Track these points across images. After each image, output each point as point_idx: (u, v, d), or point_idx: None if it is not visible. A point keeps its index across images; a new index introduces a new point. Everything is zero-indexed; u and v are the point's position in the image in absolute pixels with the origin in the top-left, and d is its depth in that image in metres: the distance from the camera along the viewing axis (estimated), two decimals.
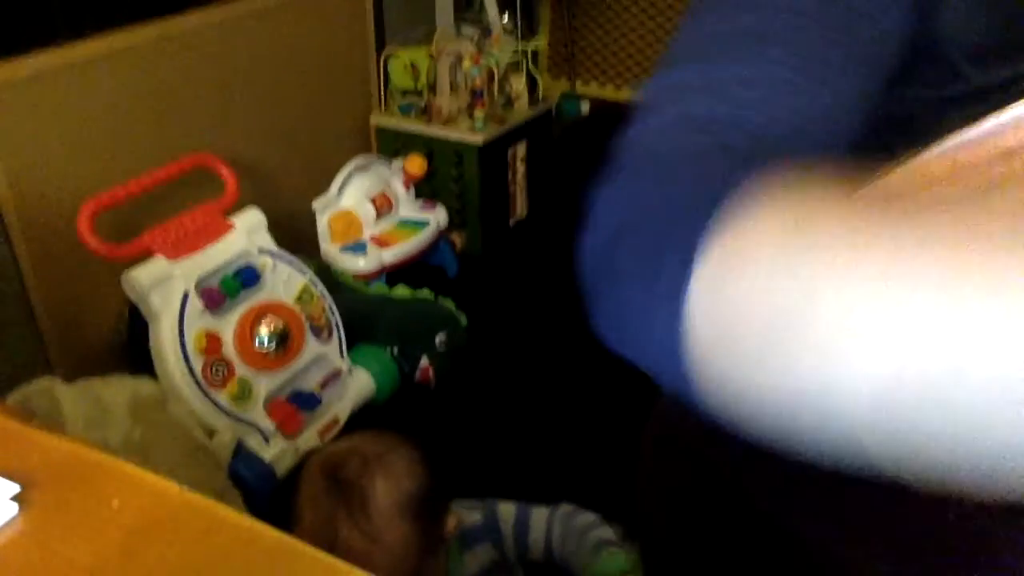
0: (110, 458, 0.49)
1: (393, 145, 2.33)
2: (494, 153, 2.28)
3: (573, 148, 2.97)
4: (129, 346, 1.75)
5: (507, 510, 1.12)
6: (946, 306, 0.27)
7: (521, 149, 2.39)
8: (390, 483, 0.98)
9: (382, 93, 2.35)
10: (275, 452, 1.52)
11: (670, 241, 0.38)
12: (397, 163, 2.25)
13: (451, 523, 1.03)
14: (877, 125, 0.47)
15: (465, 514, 1.09)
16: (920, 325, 0.27)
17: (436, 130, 2.24)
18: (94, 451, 0.49)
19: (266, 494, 1.46)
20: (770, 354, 0.33)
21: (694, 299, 0.36)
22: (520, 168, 2.41)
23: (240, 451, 1.47)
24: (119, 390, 1.37)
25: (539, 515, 1.11)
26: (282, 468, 1.52)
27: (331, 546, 0.65)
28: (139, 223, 1.62)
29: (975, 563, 0.50)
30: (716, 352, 0.36)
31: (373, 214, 2.14)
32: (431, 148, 2.27)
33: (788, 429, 0.34)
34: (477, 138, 2.19)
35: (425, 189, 2.33)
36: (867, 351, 0.28)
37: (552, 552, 1.10)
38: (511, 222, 2.45)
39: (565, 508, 1.12)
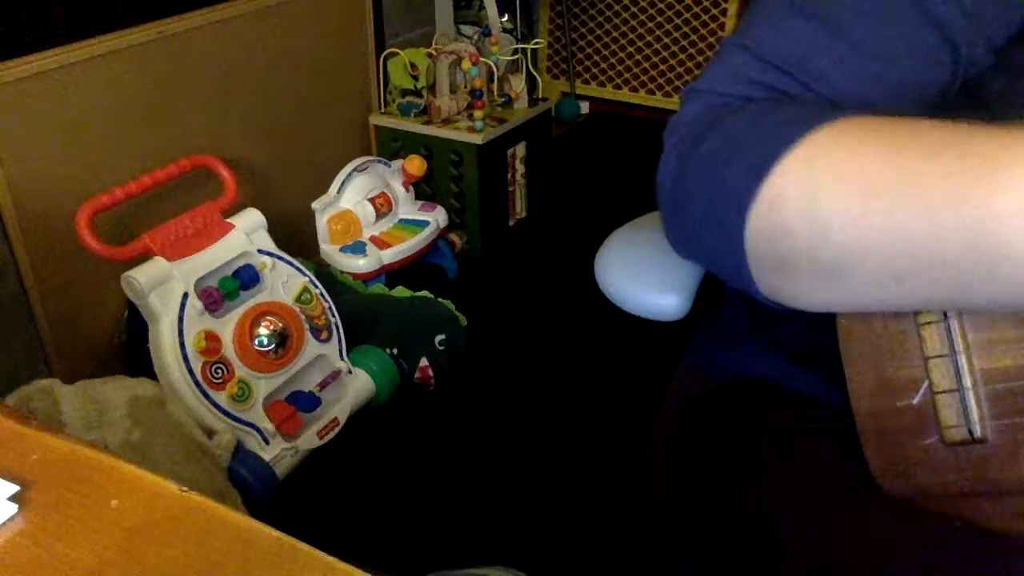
0: (109, 458, 0.48)
1: (393, 145, 2.33)
2: (493, 153, 2.28)
3: (573, 148, 2.98)
4: (129, 347, 1.75)
5: None
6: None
7: (520, 149, 2.39)
8: None
9: (382, 93, 2.35)
10: (275, 453, 1.52)
11: (732, 177, 0.47)
12: (397, 163, 2.25)
13: None
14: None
15: None
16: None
17: (435, 130, 2.24)
18: (93, 451, 0.49)
19: (266, 494, 1.46)
20: (806, 266, 0.45)
21: (751, 225, 0.46)
22: (520, 168, 2.41)
23: (240, 451, 1.47)
24: (118, 391, 1.37)
25: None
26: (282, 469, 1.52)
27: None
28: (138, 224, 1.62)
29: None
30: (770, 265, 0.46)
31: (373, 214, 2.14)
32: (430, 148, 2.27)
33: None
34: (476, 138, 2.19)
35: (424, 189, 2.32)
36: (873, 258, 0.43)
37: None
38: (511, 222, 2.45)
39: None
